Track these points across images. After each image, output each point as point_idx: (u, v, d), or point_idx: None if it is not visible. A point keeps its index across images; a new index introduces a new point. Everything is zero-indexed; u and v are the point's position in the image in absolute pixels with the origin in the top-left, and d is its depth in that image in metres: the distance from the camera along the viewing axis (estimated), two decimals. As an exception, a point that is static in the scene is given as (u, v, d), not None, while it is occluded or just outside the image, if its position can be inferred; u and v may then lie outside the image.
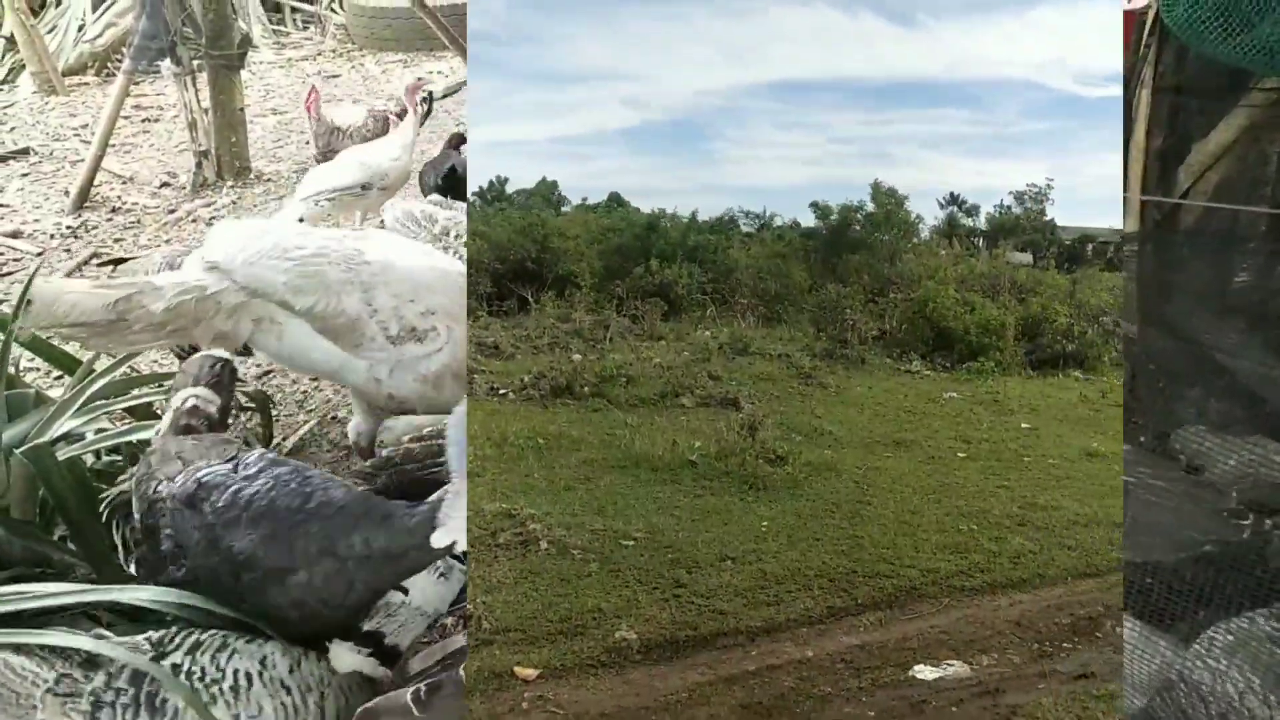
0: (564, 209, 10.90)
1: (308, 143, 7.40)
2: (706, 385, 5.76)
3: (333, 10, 10.39)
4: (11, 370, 3.17)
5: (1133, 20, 2.42)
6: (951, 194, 10.39)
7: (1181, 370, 2.44)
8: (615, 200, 10.72)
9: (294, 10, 10.51)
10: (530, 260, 8.35)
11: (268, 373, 4.31)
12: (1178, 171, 2.44)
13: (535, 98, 11.93)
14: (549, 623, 2.90)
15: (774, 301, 8.15)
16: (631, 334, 7.25)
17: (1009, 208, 10.08)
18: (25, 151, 7.14)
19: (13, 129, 7.61)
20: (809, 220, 9.49)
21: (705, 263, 8.60)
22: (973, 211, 10.34)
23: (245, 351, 3.52)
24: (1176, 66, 2.41)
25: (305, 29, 10.44)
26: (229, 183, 6.53)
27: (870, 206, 9.14)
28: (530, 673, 2.63)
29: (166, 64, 6.25)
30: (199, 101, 6.34)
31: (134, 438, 3.08)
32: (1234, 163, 2.39)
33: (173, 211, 6.19)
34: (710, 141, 14.48)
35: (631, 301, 7.86)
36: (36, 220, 6.05)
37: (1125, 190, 2.45)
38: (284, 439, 3.85)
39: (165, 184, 6.60)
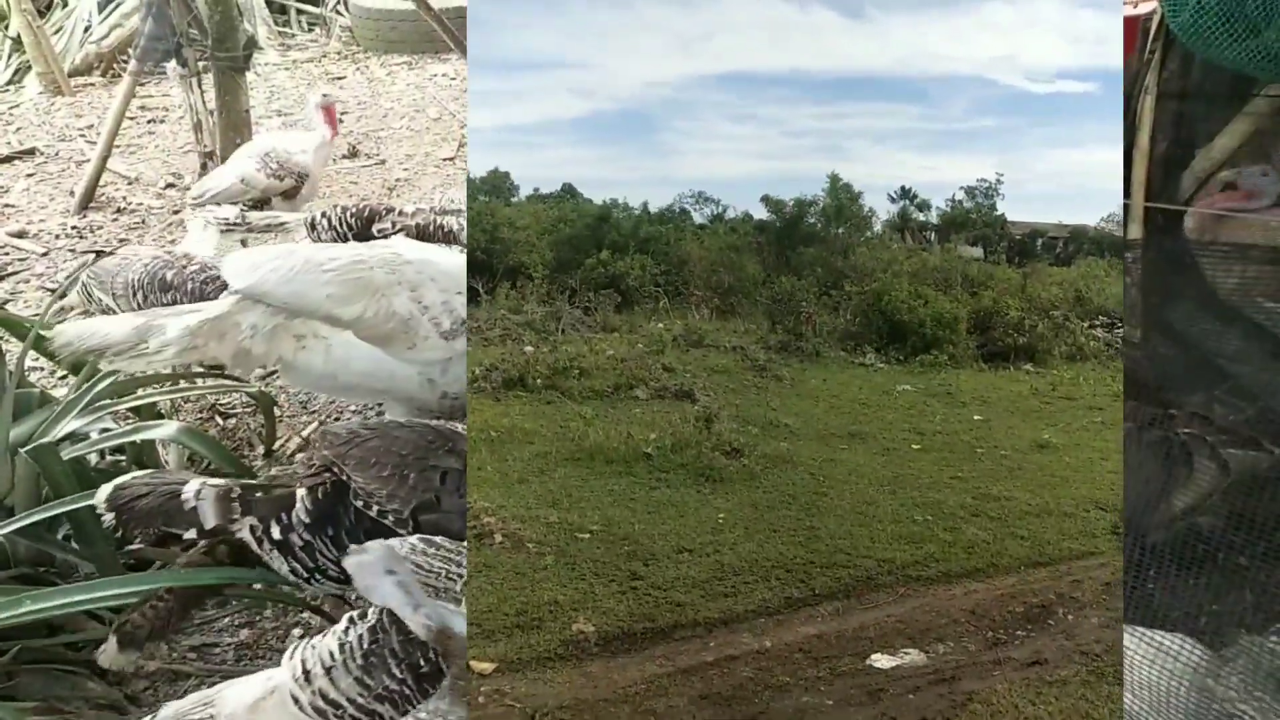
0: (513, 199, 10.81)
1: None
2: (661, 377, 5.73)
3: (338, 12, 10.27)
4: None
5: (1133, 24, 2.41)
6: (903, 188, 10.51)
7: (1183, 376, 2.44)
8: (569, 191, 10.66)
9: (299, 12, 10.37)
10: (479, 250, 8.25)
11: (272, 373, 4.23)
12: (1181, 177, 2.43)
13: (482, 86, 11.79)
14: (505, 616, 2.85)
15: (727, 294, 8.16)
16: (584, 326, 7.20)
17: (960, 202, 10.21)
18: (31, 152, 7.05)
19: (19, 129, 7.49)
20: (761, 213, 9.51)
21: (658, 255, 8.56)
22: (924, 206, 10.46)
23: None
24: (1181, 72, 2.40)
25: (310, 31, 10.30)
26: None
27: (825, 200, 9.19)
28: (487, 666, 2.59)
29: (172, 65, 6.14)
30: (204, 103, 6.21)
31: (138, 438, 3.04)
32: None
33: (177, 212, 6.13)
34: (660, 132, 14.49)
35: (584, 293, 7.80)
36: (42, 220, 5.99)
37: (1128, 196, 2.44)
38: (287, 439, 3.80)
39: (170, 185, 6.54)
